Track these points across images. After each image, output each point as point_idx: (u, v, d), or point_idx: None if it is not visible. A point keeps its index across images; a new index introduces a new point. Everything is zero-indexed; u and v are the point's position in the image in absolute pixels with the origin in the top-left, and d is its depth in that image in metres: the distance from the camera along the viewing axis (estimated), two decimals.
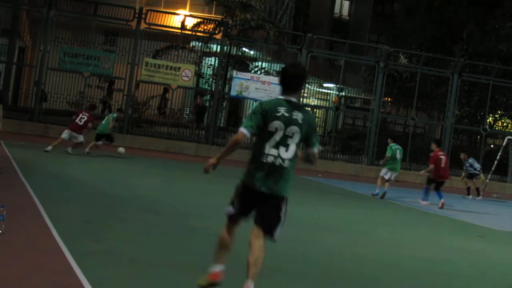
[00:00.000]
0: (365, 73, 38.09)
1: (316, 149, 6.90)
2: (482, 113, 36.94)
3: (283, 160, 6.69)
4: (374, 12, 60.12)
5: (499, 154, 31.61)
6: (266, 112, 6.68)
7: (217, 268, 6.95)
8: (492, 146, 37.96)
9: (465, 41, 38.55)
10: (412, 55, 39.66)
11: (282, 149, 6.69)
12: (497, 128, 38.67)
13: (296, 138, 6.72)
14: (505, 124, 39.47)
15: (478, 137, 37.32)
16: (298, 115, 6.72)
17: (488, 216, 21.01)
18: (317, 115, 41.87)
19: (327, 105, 42.20)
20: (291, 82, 6.86)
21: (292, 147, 6.72)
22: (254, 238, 6.78)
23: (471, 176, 27.93)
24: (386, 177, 21.09)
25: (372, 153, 32.97)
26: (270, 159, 6.68)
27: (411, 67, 37.21)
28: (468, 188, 27.93)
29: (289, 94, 6.81)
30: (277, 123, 6.67)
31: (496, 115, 39.01)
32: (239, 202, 6.90)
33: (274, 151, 6.68)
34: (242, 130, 6.68)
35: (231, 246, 6.98)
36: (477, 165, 28.09)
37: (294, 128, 6.70)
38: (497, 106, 37.90)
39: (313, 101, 41.41)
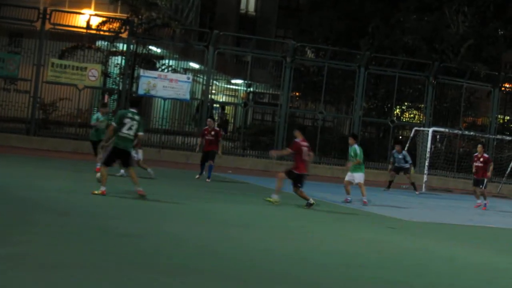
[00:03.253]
0: (272, 69, 39.37)
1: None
2: (389, 105, 38.88)
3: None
4: (280, 7, 61.62)
5: (407, 145, 33.43)
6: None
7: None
8: (400, 137, 39.92)
9: (370, 34, 40.26)
10: (319, 49, 41.23)
11: None
12: (404, 120, 40.66)
13: None
14: (412, 115, 41.51)
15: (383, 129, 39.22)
16: None
17: (397, 208, 22.07)
18: (226, 111, 43.25)
19: (236, 101, 43.57)
20: None
21: None
22: None
23: (398, 169, 29.25)
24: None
25: (281, 148, 34.39)
26: None
27: (318, 61, 38.82)
28: (390, 182, 29.34)
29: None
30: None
31: (403, 107, 41.05)
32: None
33: None
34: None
35: None
36: (409, 159, 29.42)
37: None
38: (403, 97, 39.91)
39: (221, 98, 42.75)
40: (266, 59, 38.54)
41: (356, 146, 21.04)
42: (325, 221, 16.83)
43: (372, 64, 37.23)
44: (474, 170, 24.82)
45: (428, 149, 32.61)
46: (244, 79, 39.20)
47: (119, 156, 16.33)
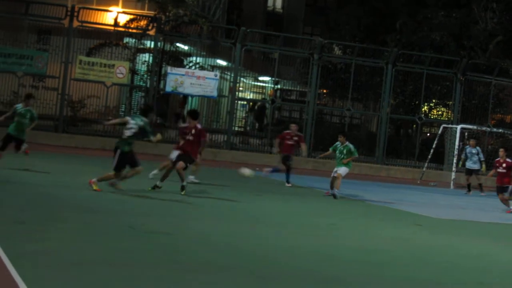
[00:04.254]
0: (300, 66, 39.31)
1: None
2: (417, 102, 38.59)
3: None
4: (307, 4, 61.55)
5: (435, 142, 33.25)
6: None
7: None
8: (428, 134, 39.67)
9: (398, 31, 40.02)
10: (346, 46, 41.11)
11: None
12: (432, 117, 40.37)
13: None
14: (439, 112, 41.19)
15: (414, 126, 39.01)
16: None
17: (425, 205, 21.82)
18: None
19: (263, 98, 43.48)
20: None
21: None
22: None
23: (471, 171, 28.65)
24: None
25: (309, 145, 34.28)
26: None
27: (346, 58, 38.62)
28: (469, 185, 28.69)
29: None
30: None
31: (431, 104, 40.72)
32: None
33: None
34: None
35: None
36: (482, 156, 28.92)
37: None
38: (431, 94, 39.60)
39: (248, 95, 42.68)
40: (293, 56, 38.33)
41: (349, 144, 21.04)
42: (351, 217, 16.78)
43: (400, 61, 36.92)
44: (496, 176, 22.19)
45: (456, 147, 32.27)
46: (271, 76, 39.05)
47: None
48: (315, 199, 20.41)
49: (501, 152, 22.08)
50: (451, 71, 37.35)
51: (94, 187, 15.78)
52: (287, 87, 44.80)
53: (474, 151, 28.70)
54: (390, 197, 22.65)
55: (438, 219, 18.24)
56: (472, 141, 29.29)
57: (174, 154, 18.53)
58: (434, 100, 40.77)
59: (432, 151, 33.07)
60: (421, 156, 35.54)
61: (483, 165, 28.68)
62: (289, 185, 22.89)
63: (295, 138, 23.35)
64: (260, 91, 46.34)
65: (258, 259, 10.10)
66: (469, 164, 28.66)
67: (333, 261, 10.53)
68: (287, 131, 23.67)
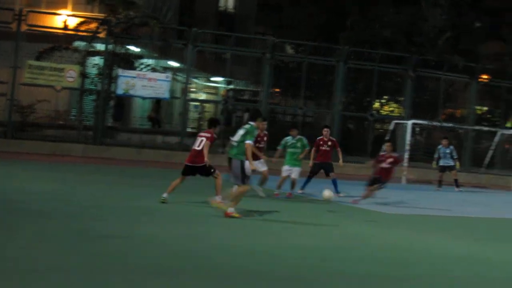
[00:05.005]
0: (252, 65, 39.27)
1: None
2: (368, 99, 38.74)
3: None
4: (259, 3, 61.40)
5: (387, 138, 33.30)
6: None
7: None
8: (381, 131, 39.84)
9: (349, 29, 40.17)
10: (298, 45, 41.18)
11: None
12: (384, 113, 40.54)
13: None
14: (391, 108, 41.44)
15: (366, 122, 39.14)
16: None
17: (376, 200, 21.31)
18: (206, 109, 42.98)
19: (216, 99, 43.33)
20: None
21: None
22: None
23: (444, 168, 29.15)
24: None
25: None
26: None
27: (298, 57, 38.68)
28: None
29: None
30: None
31: (382, 100, 40.95)
32: None
33: None
34: None
35: None
36: (455, 154, 29.43)
37: None
38: (383, 91, 39.82)
39: (201, 96, 42.51)
40: (246, 56, 38.28)
41: (302, 137, 20.98)
42: (303, 215, 16.72)
43: (351, 59, 37.00)
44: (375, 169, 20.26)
45: (408, 142, 32.44)
46: (224, 76, 38.92)
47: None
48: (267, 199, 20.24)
49: (388, 146, 20.41)
50: (401, 68, 37.58)
51: (236, 215, 14.58)
52: (240, 87, 44.72)
53: (447, 150, 29.15)
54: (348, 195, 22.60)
55: (389, 214, 18.35)
56: (444, 141, 29.63)
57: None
58: (385, 97, 41.04)
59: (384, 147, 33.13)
60: (374, 153, 35.56)
61: (457, 163, 29.32)
62: (342, 195, 21.31)
63: (330, 143, 22.17)
64: (213, 92, 46.20)
65: (210, 261, 10.04)
66: (444, 161, 29.07)
67: (286, 260, 10.52)
68: (320, 137, 22.32)
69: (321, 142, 22.12)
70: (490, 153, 36.79)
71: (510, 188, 33.05)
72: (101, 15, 35.89)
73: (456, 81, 39.97)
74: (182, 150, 33.70)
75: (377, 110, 39.62)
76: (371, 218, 17.01)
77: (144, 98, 34.02)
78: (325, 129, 22.70)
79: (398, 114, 39.02)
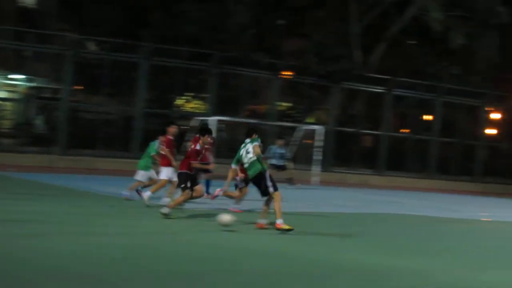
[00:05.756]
0: (54, 63, 38.57)
1: None
2: (173, 96, 39.05)
3: None
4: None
5: (189, 135, 33.73)
6: None
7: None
8: (185, 127, 40.19)
9: (153, 25, 40.18)
10: (101, 42, 40.83)
11: None
12: (189, 110, 41.00)
13: None
14: (196, 105, 41.95)
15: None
16: None
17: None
18: (6, 108, 41.76)
19: (16, 97, 42.19)
20: None
21: None
22: None
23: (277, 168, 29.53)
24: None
25: (65, 143, 33.90)
26: None
27: (100, 54, 38.46)
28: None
29: None
30: None
31: (186, 97, 41.38)
32: None
33: None
34: None
35: None
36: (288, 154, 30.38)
37: None
38: (188, 88, 40.27)
39: (1, 94, 41.28)
40: (48, 53, 37.55)
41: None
42: (108, 215, 16.70)
43: (156, 56, 37.13)
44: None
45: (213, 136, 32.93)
46: (25, 74, 38.01)
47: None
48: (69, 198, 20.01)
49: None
50: (206, 65, 38.22)
51: (286, 227, 14.61)
52: (41, 85, 43.75)
53: (281, 151, 30.01)
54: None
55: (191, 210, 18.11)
56: (280, 141, 30.26)
57: None
58: (190, 94, 41.50)
59: (186, 144, 33.48)
60: (177, 149, 35.81)
61: (289, 163, 30.23)
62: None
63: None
64: (13, 90, 44.92)
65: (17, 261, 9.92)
66: (275, 161, 29.74)
67: (86, 259, 10.48)
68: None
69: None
70: (293, 148, 38.02)
71: (309, 182, 34.53)
72: None
73: (259, 78, 41.06)
74: None
75: (181, 107, 40.01)
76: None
77: None
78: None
79: (202, 111, 39.54)
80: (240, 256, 11.91)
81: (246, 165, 15.43)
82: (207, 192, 20.81)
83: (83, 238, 12.45)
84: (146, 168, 20.13)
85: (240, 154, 15.69)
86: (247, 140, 15.77)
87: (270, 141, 38.66)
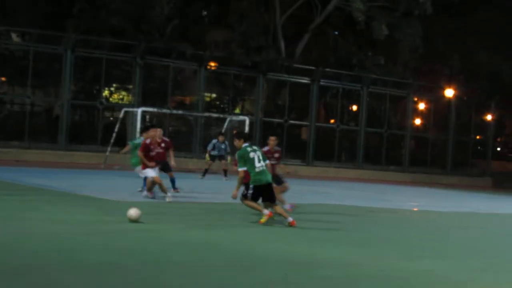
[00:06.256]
0: None
1: None
2: (98, 87, 39.18)
3: None
4: None
5: (117, 126, 34.00)
6: None
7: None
8: (111, 118, 40.40)
9: (76, 17, 40.14)
10: (25, 33, 40.67)
11: None
12: (113, 101, 41.17)
13: None
14: (121, 96, 42.15)
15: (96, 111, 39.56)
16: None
17: (109, 189, 21.57)
18: None
19: None
20: None
21: None
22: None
23: (215, 158, 30.38)
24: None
25: None
26: None
27: (24, 45, 38.36)
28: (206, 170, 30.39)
29: None
30: None
31: (112, 88, 41.56)
32: None
33: None
34: None
35: None
36: (229, 149, 30.35)
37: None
38: (112, 79, 40.45)
39: None
40: None
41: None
42: (37, 206, 16.49)
43: (80, 47, 37.27)
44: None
45: (138, 129, 33.23)
46: None
47: None
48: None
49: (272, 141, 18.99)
50: (130, 56, 38.44)
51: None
52: None
53: (222, 146, 30.35)
54: (74, 183, 22.60)
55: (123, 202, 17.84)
56: (221, 137, 30.68)
57: None
58: (115, 85, 41.71)
59: (114, 135, 33.75)
60: (104, 141, 36.13)
61: (229, 157, 30.16)
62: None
63: (163, 145, 20.45)
64: None
65: None
66: (215, 152, 30.30)
67: (18, 250, 10.33)
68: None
69: (152, 147, 19.81)
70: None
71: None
72: None
73: (185, 69, 41.44)
74: None
75: (107, 98, 40.18)
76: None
77: None
78: (158, 129, 20.62)
79: (127, 102, 39.78)
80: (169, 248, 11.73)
81: (257, 170, 15.43)
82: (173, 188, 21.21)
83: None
84: (139, 163, 19.89)
85: (251, 157, 15.49)
86: (254, 146, 15.90)
87: (197, 132, 39.27)
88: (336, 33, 48.87)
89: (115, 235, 12.57)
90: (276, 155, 18.59)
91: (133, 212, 13.85)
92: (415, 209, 24.35)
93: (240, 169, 15.41)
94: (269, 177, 15.62)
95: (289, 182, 18.86)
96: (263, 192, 15.50)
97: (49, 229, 12.63)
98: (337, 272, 10.45)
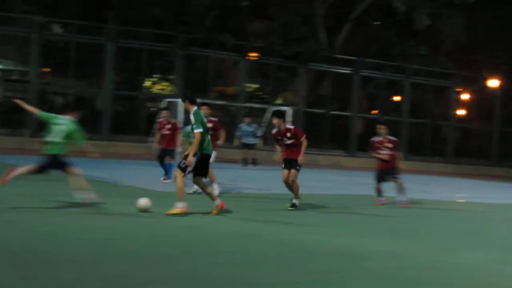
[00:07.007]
0: (20, 45, 38.83)
1: None
2: (139, 78, 39.44)
3: None
4: None
5: (159, 116, 34.16)
6: None
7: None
8: (153, 109, 40.61)
9: (117, 8, 40.44)
10: (67, 24, 41.05)
11: None
12: (155, 92, 41.43)
13: None
14: (163, 87, 42.37)
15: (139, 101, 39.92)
16: None
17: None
18: None
19: None
20: None
21: None
22: None
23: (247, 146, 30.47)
24: None
25: (35, 125, 34.28)
26: None
27: (66, 36, 38.78)
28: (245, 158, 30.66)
29: None
30: None
31: (153, 79, 41.79)
32: None
33: None
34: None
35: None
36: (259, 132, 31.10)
37: None
38: (154, 70, 40.65)
39: None
40: (13, 36, 37.81)
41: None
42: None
43: (121, 37, 37.56)
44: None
45: (181, 120, 33.43)
46: None
47: None
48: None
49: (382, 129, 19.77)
50: (171, 46, 38.61)
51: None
52: (8, 67, 44.00)
53: (250, 128, 30.30)
54: (120, 174, 22.86)
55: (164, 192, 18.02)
56: (247, 119, 30.59)
57: None
58: (156, 75, 41.87)
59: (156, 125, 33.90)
60: (147, 131, 36.33)
61: (260, 141, 30.06)
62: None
63: (170, 127, 21.17)
64: None
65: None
66: (246, 140, 30.39)
67: (60, 241, 10.37)
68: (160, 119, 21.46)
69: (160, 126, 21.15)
70: (263, 129, 38.55)
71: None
72: None
73: (226, 59, 41.56)
74: None
75: (149, 89, 40.44)
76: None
77: None
78: (164, 111, 21.76)
79: (169, 93, 39.95)
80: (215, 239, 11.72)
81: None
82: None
83: None
84: None
85: None
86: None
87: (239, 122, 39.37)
88: (377, 23, 48.60)
89: (160, 226, 12.54)
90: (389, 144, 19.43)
91: (143, 202, 13.70)
92: (461, 201, 24.16)
93: None
94: None
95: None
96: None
97: (99, 222, 12.56)
98: (389, 263, 10.48)
